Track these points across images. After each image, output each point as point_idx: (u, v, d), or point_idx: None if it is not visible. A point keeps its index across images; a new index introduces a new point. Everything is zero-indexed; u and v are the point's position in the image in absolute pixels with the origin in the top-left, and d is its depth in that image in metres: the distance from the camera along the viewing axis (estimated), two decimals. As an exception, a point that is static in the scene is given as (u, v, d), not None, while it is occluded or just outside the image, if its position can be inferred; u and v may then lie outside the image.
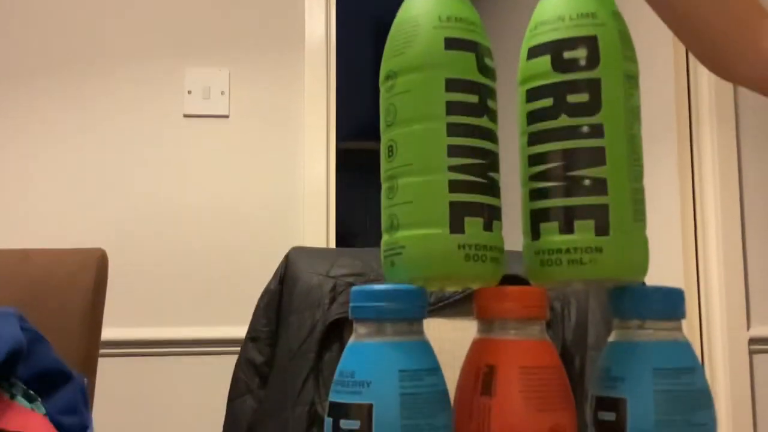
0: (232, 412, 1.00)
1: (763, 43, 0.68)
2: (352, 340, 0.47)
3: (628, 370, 0.47)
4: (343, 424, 0.44)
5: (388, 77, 0.51)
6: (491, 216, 0.49)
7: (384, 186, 0.51)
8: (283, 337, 1.00)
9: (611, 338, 0.50)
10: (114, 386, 1.81)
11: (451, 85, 0.49)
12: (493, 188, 0.50)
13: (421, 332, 0.47)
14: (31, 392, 0.71)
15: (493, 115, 0.51)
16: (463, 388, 0.48)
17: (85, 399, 0.79)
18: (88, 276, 1.07)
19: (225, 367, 1.17)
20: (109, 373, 1.73)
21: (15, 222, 1.88)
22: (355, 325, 0.47)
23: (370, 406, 0.44)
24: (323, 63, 2.00)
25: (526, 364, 0.47)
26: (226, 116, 1.96)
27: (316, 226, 1.92)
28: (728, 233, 1.99)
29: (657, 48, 2.02)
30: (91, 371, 1.03)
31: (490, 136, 0.50)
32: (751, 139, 2.06)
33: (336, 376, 0.46)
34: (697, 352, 1.89)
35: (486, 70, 0.50)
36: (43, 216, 1.89)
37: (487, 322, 0.49)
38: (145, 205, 1.91)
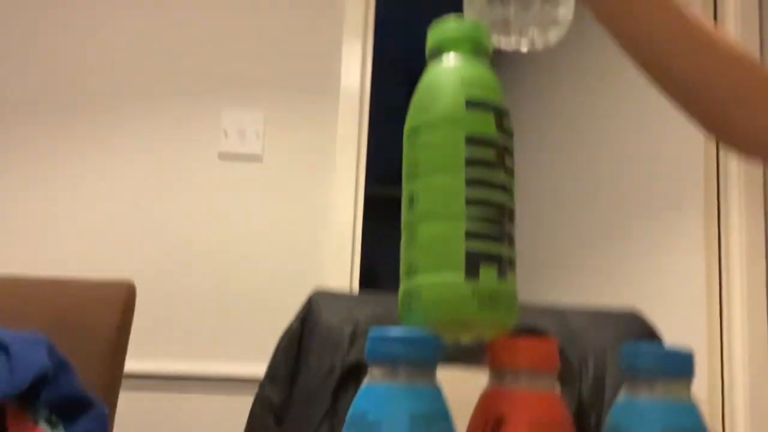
0: (247, 450, 1.00)
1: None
2: (366, 382, 0.48)
3: (635, 430, 0.48)
4: (353, 464, 0.45)
5: (412, 132, 0.54)
6: (505, 265, 0.51)
7: (404, 234, 0.53)
8: (302, 378, 1.01)
9: (620, 396, 0.51)
10: (132, 418, 1.82)
11: (471, 141, 0.51)
12: (507, 239, 0.52)
13: (433, 378, 0.48)
14: (53, 417, 0.73)
15: (509, 172, 0.53)
16: (471, 436, 0.49)
17: (104, 428, 0.80)
18: (115, 309, 1.09)
19: (242, 403, 1.18)
20: (127, 404, 1.75)
21: (51, 250, 1.93)
22: (370, 368, 0.48)
23: (380, 448, 0.45)
24: (356, 110, 2.04)
25: (536, 417, 0.48)
26: (260, 158, 2.00)
27: (340, 268, 1.94)
28: (753, 305, 1.97)
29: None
30: (111, 401, 1.05)
31: (507, 190, 0.52)
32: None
33: (348, 418, 0.47)
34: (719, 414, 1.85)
35: (503, 130, 0.53)
36: (76, 247, 1.93)
37: (498, 373, 0.50)
38: (175, 240, 1.95)
